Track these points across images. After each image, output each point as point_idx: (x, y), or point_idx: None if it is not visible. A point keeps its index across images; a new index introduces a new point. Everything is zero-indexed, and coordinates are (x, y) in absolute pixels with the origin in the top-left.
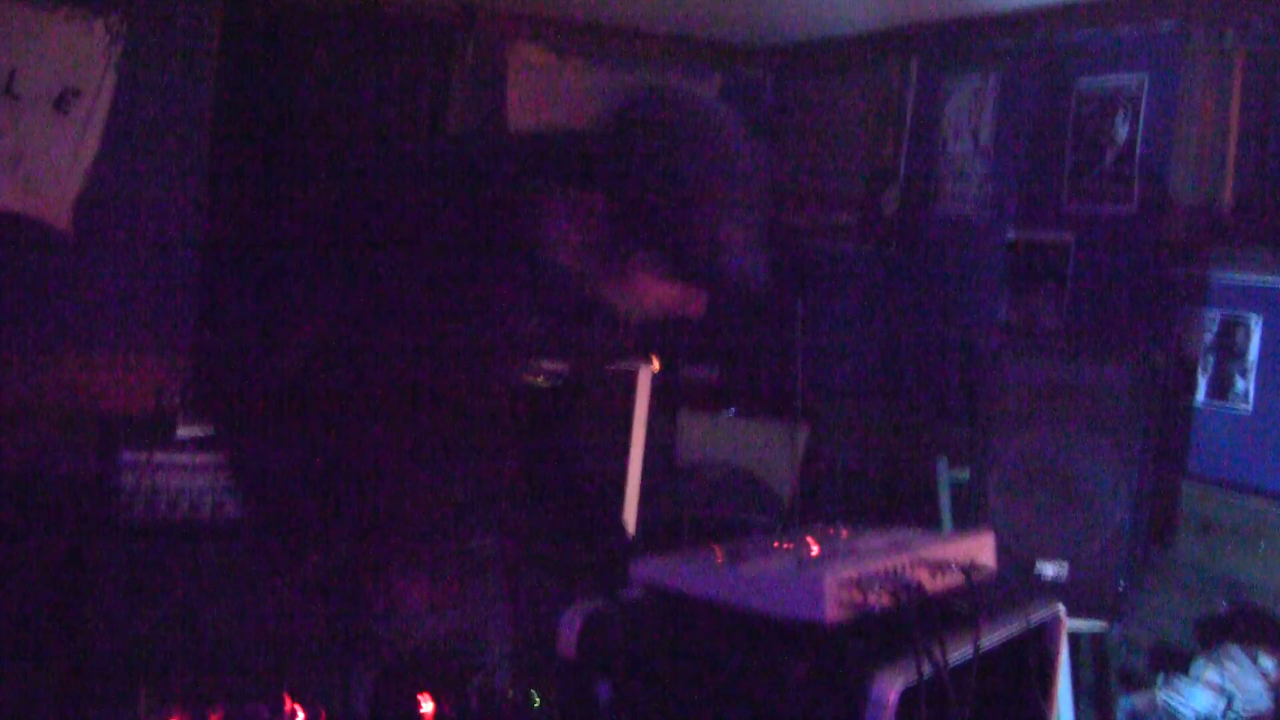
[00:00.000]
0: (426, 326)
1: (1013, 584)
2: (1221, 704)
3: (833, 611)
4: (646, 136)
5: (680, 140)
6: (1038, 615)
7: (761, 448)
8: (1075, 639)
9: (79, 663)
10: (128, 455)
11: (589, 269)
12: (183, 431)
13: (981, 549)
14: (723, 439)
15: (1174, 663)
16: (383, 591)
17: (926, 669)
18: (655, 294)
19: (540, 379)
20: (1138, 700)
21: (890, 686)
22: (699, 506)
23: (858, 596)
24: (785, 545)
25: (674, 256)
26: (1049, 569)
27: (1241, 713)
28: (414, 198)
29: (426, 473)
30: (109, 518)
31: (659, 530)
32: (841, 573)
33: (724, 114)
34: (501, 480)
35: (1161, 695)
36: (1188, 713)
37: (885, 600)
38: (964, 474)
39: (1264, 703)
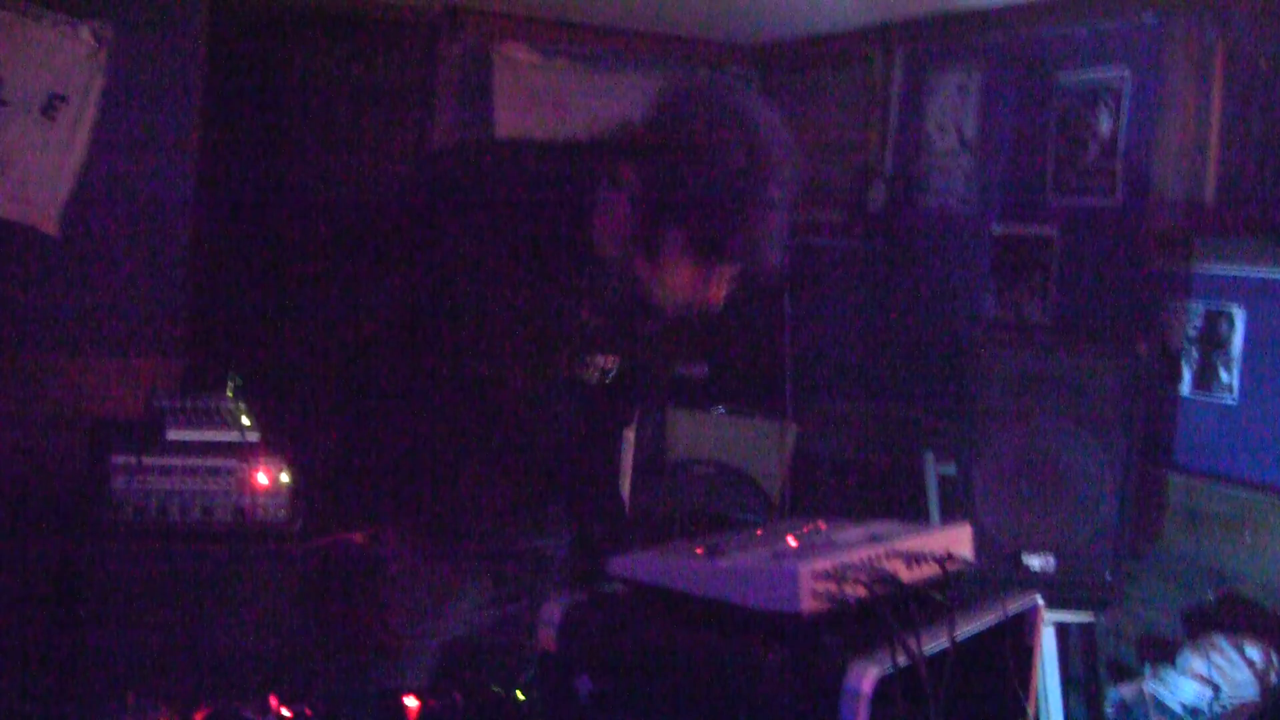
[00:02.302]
0: (487, 321)
1: (993, 575)
2: (1208, 694)
3: (807, 603)
4: (681, 117)
5: (714, 121)
6: (1015, 605)
7: (750, 445)
8: (1063, 630)
9: (68, 665)
10: (117, 458)
11: (627, 252)
12: (172, 435)
13: (959, 540)
14: (712, 436)
15: (1161, 653)
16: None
17: (901, 659)
18: (683, 277)
19: (594, 375)
20: (1125, 691)
21: (864, 676)
22: (688, 504)
23: (833, 588)
24: (763, 539)
25: (703, 235)
26: (1036, 561)
27: (1228, 703)
28: (466, 199)
29: (480, 468)
30: (99, 521)
31: (648, 528)
32: (816, 565)
33: (760, 104)
34: (556, 479)
35: (1149, 686)
36: (1175, 703)
37: (860, 591)
38: (951, 468)
39: (1250, 693)
